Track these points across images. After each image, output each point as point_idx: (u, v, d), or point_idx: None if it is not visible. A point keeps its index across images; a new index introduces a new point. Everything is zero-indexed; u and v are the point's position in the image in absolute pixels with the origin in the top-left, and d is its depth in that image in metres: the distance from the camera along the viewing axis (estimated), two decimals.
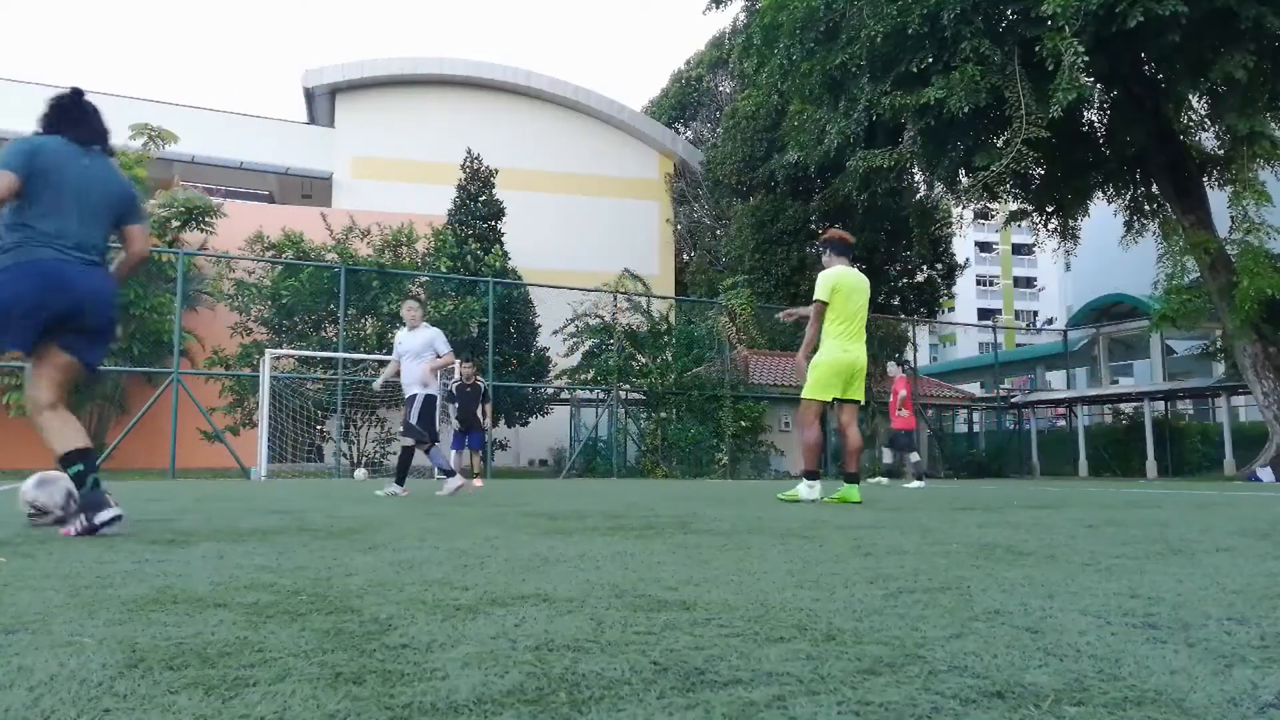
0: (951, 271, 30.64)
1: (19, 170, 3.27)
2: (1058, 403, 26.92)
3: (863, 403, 6.58)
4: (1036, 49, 14.59)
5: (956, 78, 14.73)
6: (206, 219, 22.32)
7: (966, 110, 14.85)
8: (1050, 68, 14.15)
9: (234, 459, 16.64)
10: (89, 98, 3.68)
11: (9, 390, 19.90)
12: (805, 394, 6.36)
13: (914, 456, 12.25)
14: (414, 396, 8.29)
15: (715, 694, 1.09)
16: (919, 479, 11.79)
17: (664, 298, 24.56)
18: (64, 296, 3.35)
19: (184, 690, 1.11)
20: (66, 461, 3.65)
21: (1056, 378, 35.90)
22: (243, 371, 18.40)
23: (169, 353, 18.42)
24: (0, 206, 3.26)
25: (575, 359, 22.00)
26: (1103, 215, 22.20)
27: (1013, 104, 14.91)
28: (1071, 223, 20.74)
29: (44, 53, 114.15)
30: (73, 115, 3.56)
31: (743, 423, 20.31)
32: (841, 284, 6.30)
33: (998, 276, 66.93)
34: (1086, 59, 13.75)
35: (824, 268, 6.56)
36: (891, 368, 13.68)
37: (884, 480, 12.75)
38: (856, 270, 6.55)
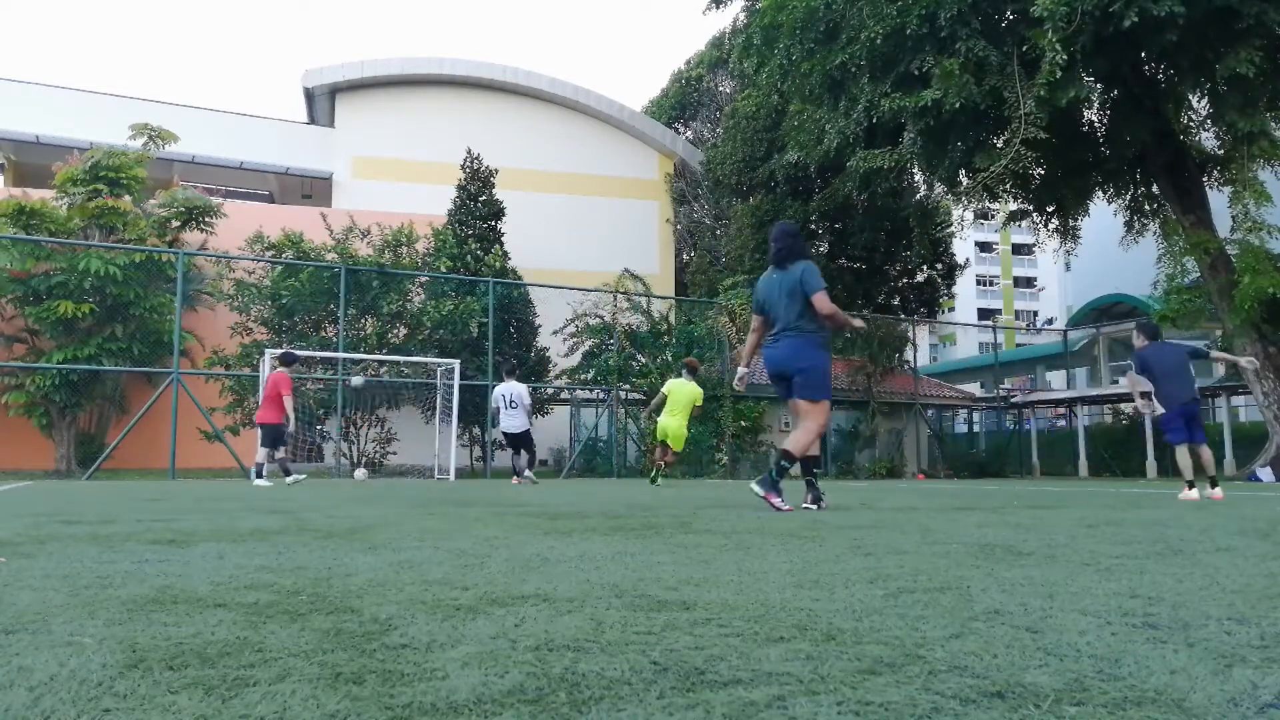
0: (951, 271, 30.65)
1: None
2: (1058, 403, 26.92)
3: (678, 450, 11.92)
4: (1024, 48, 14.63)
5: (944, 74, 14.75)
6: (206, 219, 22.30)
7: (956, 106, 14.85)
8: (1042, 67, 14.21)
9: (234, 459, 16.65)
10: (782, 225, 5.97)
11: (9, 390, 19.92)
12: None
13: (279, 452, 11.73)
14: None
15: (715, 694, 1.09)
16: (261, 477, 11.49)
17: (664, 298, 24.54)
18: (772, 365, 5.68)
19: (184, 690, 1.11)
20: (787, 457, 5.48)
21: (1056, 378, 35.89)
22: (243, 371, 18.40)
23: (169, 353, 18.41)
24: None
25: (575, 359, 21.99)
26: (1103, 215, 22.19)
27: (1012, 104, 14.92)
28: (1071, 223, 20.73)
29: (44, 53, 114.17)
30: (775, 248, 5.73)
31: (743, 423, 20.31)
32: (671, 389, 11.64)
33: (998, 276, 66.93)
34: (1065, 57, 13.78)
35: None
36: (272, 363, 13.30)
37: (266, 482, 11.61)
38: (686, 382, 11.69)
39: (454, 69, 31.31)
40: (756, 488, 5.38)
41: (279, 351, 13.58)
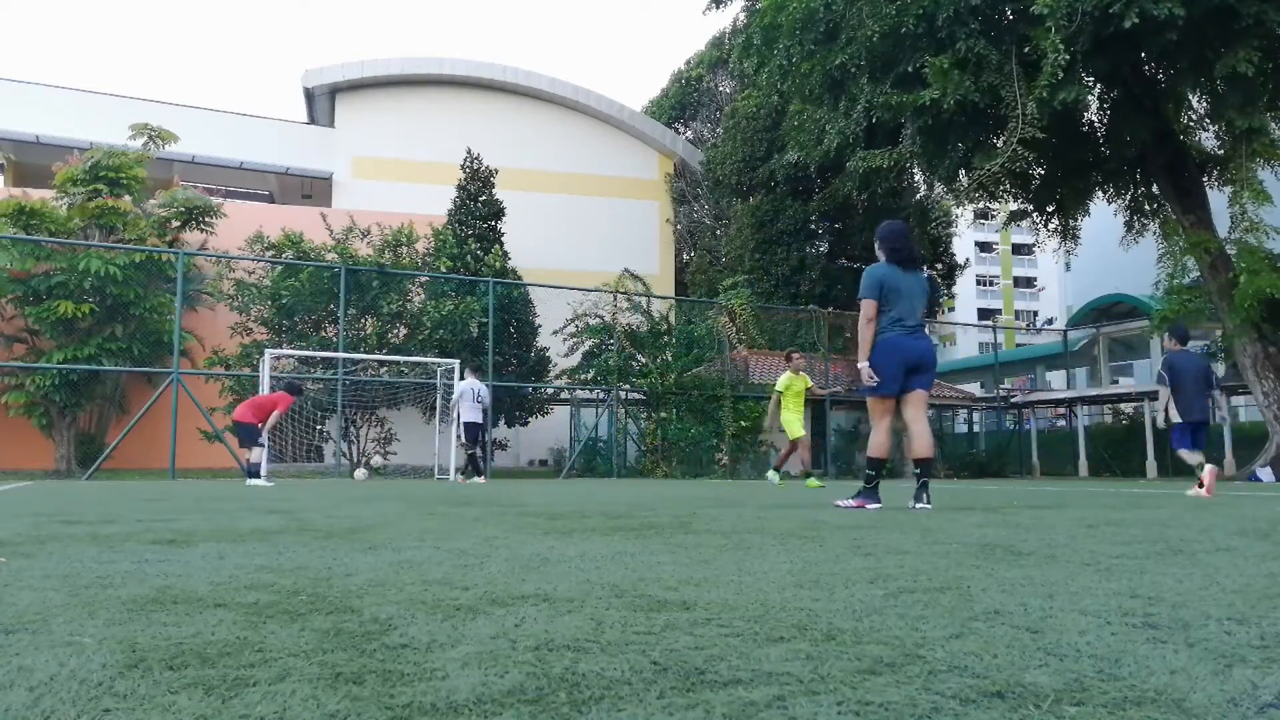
0: (951, 271, 30.64)
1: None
2: (1058, 403, 26.90)
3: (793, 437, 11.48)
4: (1026, 49, 14.63)
5: (935, 72, 14.75)
6: (206, 219, 22.30)
7: (952, 105, 14.85)
8: (1043, 68, 14.21)
9: (234, 459, 16.64)
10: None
11: (9, 390, 19.91)
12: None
13: (253, 454, 11.94)
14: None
15: (715, 694, 1.09)
16: (257, 477, 11.83)
17: (664, 298, 24.54)
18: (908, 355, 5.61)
19: (184, 690, 1.10)
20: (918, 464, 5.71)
21: (1056, 378, 35.88)
22: (243, 371, 18.40)
23: (169, 353, 18.40)
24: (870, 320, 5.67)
25: (575, 359, 21.98)
26: (1103, 215, 22.18)
27: (1010, 104, 14.92)
28: (1072, 222, 20.72)
29: (44, 53, 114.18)
30: (895, 246, 5.82)
31: (743, 423, 20.30)
32: (788, 382, 11.45)
33: (998, 276, 66.91)
34: (1067, 57, 13.78)
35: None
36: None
37: (264, 482, 11.95)
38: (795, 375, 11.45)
39: (454, 69, 31.30)
40: (844, 503, 5.71)
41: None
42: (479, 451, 14.25)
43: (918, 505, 5.43)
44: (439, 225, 23.27)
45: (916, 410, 5.69)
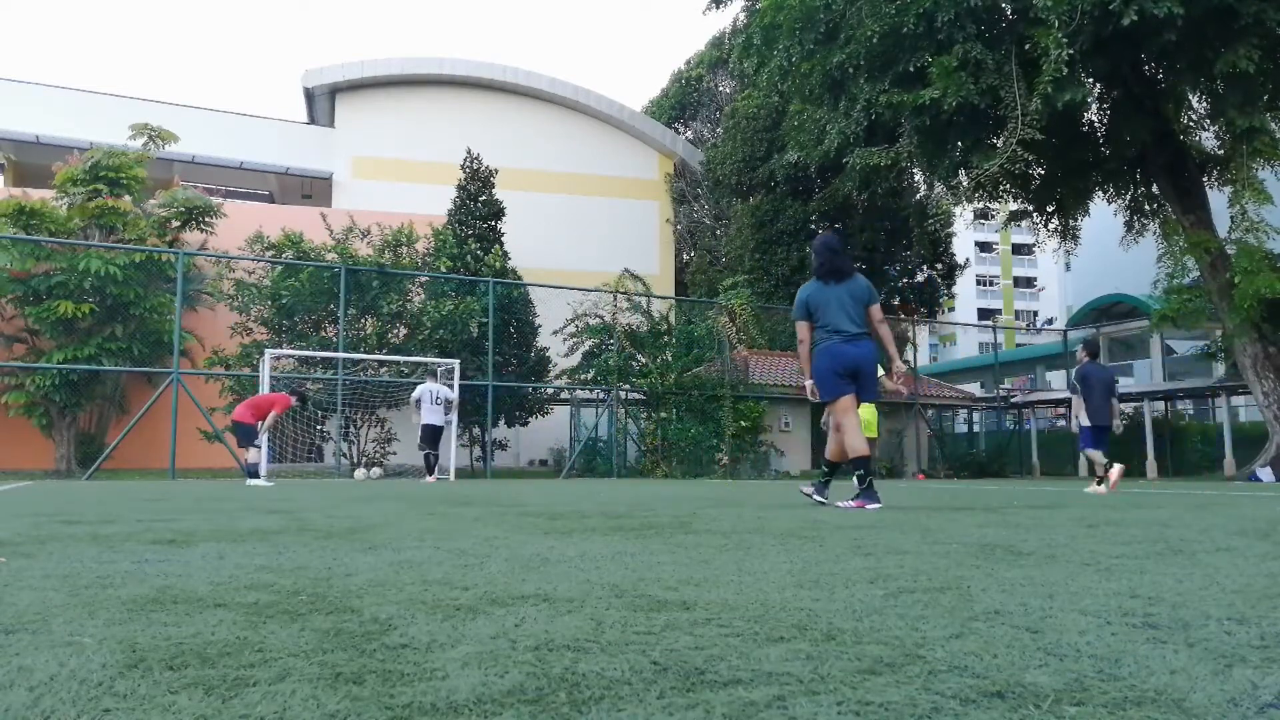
0: (951, 271, 30.63)
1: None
2: (1058, 403, 26.90)
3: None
4: (1027, 47, 14.62)
5: (940, 71, 14.75)
6: (206, 219, 22.29)
7: (954, 105, 14.84)
8: (1044, 66, 14.20)
9: (234, 459, 16.64)
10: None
11: (9, 390, 19.90)
12: None
13: (251, 455, 12.10)
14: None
15: (715, 694, 1.09)
16: (257, 477, 12.06)
17: (664, 298, 24.52)
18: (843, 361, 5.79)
19: (184, 690, 1.10)
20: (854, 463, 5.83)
21: (1056, 378, 35.87)
22: (243, 371, 18.39)
23: (169, 353, 18.40)
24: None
25: (575, 359, 21.97)
26: (1103, 215, 22.17)
27: (1009, 104, 14.91)
28: (1071, 222, 20.71)
29: (44, 53, 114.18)
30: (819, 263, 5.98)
31: (743, 423, 20.30)
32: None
33: (998, 276, 66.89)
34: (1070, 53, 13.77)
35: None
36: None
37: (263, 482, 12.08)
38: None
39: (454, 69, 31.28)
40: (845, 504, 5.78)
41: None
42: (435, 452, 14.64)
43: (839, 504, 5.72)
44: (439, 225, 23.25)
45: (846, 417, 5.91)
